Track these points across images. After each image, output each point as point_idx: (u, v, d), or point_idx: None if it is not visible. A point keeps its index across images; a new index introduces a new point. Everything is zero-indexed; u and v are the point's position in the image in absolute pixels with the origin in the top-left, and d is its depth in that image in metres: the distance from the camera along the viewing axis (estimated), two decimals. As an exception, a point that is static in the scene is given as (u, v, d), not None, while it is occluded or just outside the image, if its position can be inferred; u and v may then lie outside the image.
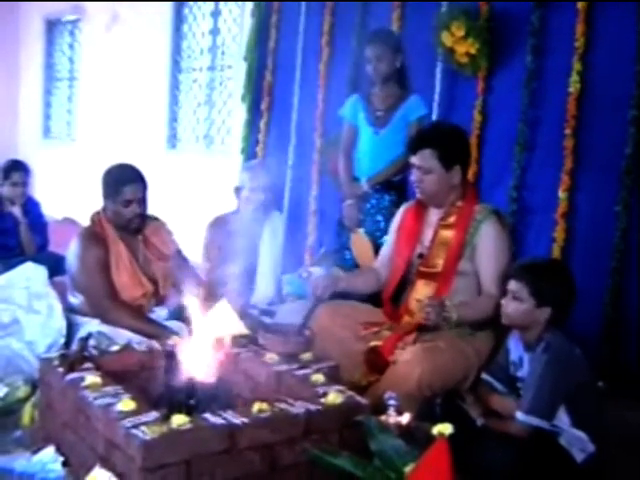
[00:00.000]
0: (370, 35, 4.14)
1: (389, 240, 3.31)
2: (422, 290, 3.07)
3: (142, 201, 3.44)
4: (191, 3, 7.28)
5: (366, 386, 2.87)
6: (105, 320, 3.29)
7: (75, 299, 3.47)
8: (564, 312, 2.55)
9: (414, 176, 3.07)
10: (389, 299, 3.18)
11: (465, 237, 2.97)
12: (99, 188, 3.50)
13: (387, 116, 4.01)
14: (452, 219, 3.03)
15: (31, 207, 5.08)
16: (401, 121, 3.99)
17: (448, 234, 3.02)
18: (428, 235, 3.10)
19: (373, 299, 3.29)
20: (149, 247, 3.54)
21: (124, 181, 3.40)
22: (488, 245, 2.93)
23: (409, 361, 2.76)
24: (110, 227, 3.44)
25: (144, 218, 3.50)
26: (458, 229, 2.99)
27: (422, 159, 3.00)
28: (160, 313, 3.52)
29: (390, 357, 2.88)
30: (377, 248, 4.00)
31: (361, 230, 4.02)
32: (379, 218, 4.01)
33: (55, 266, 3.90)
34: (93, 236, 3.42)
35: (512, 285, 2.57)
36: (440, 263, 3.01)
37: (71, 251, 3.43)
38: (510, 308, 2.58)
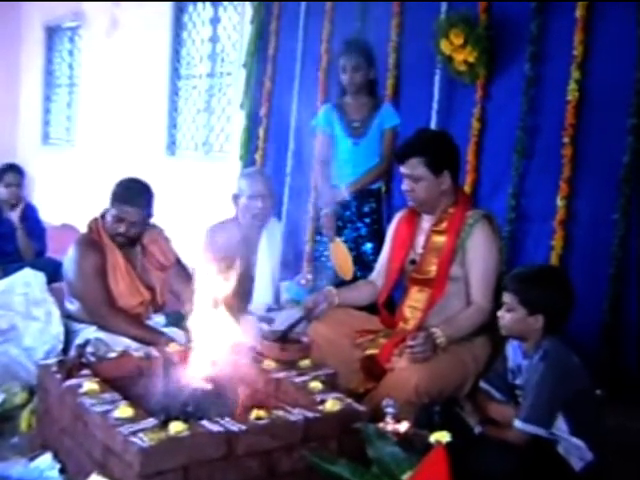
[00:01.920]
0: (346, 45, 4.19)
1: (384, 250, 3.33)
2: (416, 296, 3.10)
3: (134, 224, 3.41)
4: (190, 10, 7.29)
5: (364, 393, 2.87)
6: (102, 327, 3.29)
7: (72, 305, 3.47)
8: (559, 318, 2.55)
9: (405, 185, 3.09)
10: (383, 306, 3.19)
11: (457, 242, 2.99)
12: (100, 191, 3.50)
13: (364, 126, 4.10)
14: (444, 225, 3.05)
15: (29, 212, 5.09)
16: (377, 130, 4.08)
17: (440, 240, 3.04)
18: (420, 241, 3.13)
19: (369, 307, 3.30)
20: (147, 256, 3.54)
21: (124, 199, 3.39)
22: (477, 248, 2.96)
23: (406, 368, 2.76)
24: (107, 235, 3.43)
25: (132, 240, 3.46)
26: (450, 234, 3.01)
27: (411, 168, 3.03)
28: (158, 320, 3.52)
29: (387, 364, 2.88)
30: (359, 255, 4.03)
31: (340, 239, 4.05)
32: (359, 225, 4.07)
33: (53, 272, 3.90)
34: (90, 243, 3.42)
35: (504, 296, 2.59)
36: (433, 269, 3.02)
37: (68, 258, 3.43)
38: (505, 320, 2.59)
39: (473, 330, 2.93)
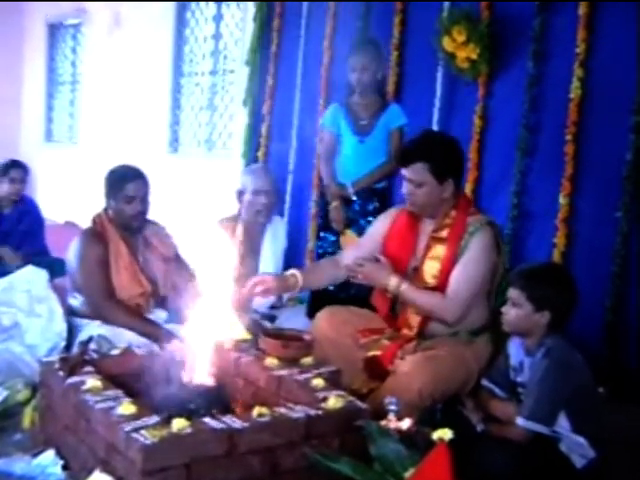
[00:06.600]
0: (356, 45, 4.21)
1: (367, 239, 3.20)
2: None
3: (144, 200, 3.50)
4: (193, 7, 7.29)
5: (367, 394, 2.86)
6: (102, 318, 3.32)
7: (75, 300, 3.48)
8: (564, 315, 2.55)
9: (405, 188, 2.95)
10: (388, 310, 3.09)
11: (457, 252, 2.88)
12: (101, 189, 3.54)
13: (370, 124, 4.13)
14: (445, 233, 2.93)
15: (29, 207, 5.14)
16: (383, 129, 4.11)
17: (440, 249, 2.92)
18: (422, 246, 3.01)
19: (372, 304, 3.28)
20: (149, 248, 3.58)
21: (127, 178, 3.47)
22: (471, 252, 2.85)
23: (410, 372, 2.72)
24: (111, 227, 3.49)
25: (145, 217, 3.53)
26: (450, 244, 2.90)
27: (414, 172, 2.89)
28: (160, 315, 3.53)
29: (390, 366, 2.86)
30: None
31: (350, 231, 4.07)
32: (363, 223, 4.07)
33: (56, 271, 3.90)
34: (94, 235, 3.47)
35: (511, 292, 2.58)
36: (433, 281, 2.92)
37: (72, 250, 3.47)
38: (510, 315, 2.58)
39: (422, 309, 2.89)
